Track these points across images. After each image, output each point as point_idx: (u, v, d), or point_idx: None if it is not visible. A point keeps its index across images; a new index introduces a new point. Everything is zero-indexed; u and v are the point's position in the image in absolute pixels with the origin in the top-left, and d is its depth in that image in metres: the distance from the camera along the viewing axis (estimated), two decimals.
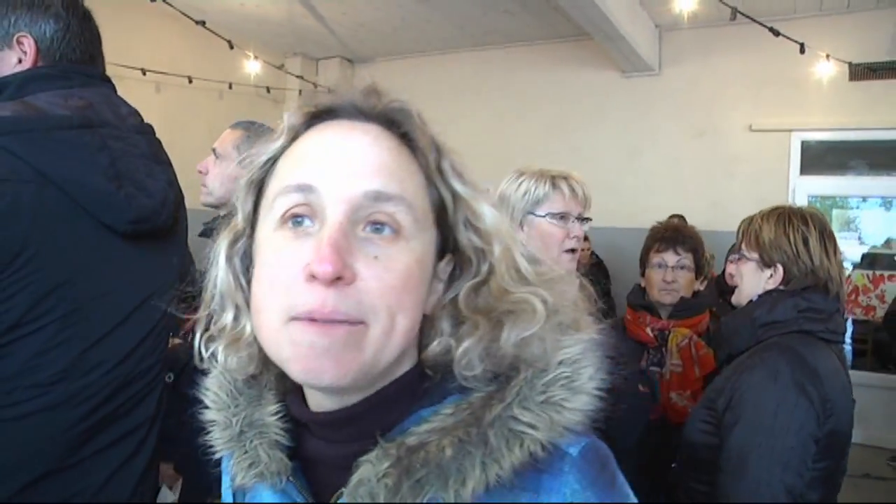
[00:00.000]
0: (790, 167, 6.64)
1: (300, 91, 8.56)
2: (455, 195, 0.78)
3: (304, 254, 0.68)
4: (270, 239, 0.73)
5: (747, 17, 5.16)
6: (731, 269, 2.19)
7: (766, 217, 2.07)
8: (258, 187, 0.79)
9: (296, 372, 0.70)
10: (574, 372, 0.74)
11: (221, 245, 0.82)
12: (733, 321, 2.06)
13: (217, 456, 0.88)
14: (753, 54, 6.52)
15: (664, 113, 7.12)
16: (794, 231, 1.98)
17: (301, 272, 0.68)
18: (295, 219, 0.71)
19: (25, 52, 1.53)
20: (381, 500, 0.69)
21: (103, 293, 1.48)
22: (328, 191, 0.70)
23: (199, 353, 0.85)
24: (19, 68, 1.53)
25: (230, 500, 0.91)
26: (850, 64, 6.15)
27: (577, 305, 0.81)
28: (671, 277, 2.72)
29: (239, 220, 0.81)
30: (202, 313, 0.85)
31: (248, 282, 0.78)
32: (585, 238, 5.81)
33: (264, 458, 0.80)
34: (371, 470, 0.70)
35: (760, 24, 5.24)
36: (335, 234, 0.67)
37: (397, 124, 0.77)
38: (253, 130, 2.41)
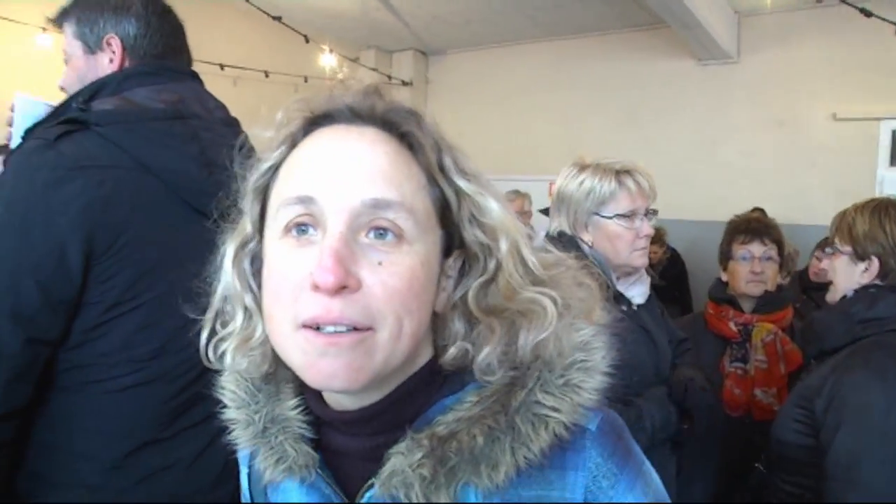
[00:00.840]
0: (878, 158, 6.34)
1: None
2: (458, 192, 0.78)
3: (308, 263, 0.69)
4: (276, 247, 0.74)
5: None
6: (823, 264, 2.12)
7: (861, 209, 1.99)
8: (263, 193, 0.80)
9: (308, 379, 0.72)
10: (588, 355, 0.78)
11: (228, 249, 0.84)
12: (827, 317, 1.99)
13: (241, 453, 0.92)
14: (839, 38, 6.23)
15: (742, 102, 6.90)
16: (892, 222, 1.89)
17: (306, 281, 0.69)
18: (299, 227, 0.72)
19: (114, 52, 1.63)
20: (416, 490, 0.71)
21: (195, 276, 1.55)
22: (327, 201, 0.70)
23: (206, 354, 0.86)
24: (111, 68, 1.63)
25: (248, 496, 0.94)
26: None
27: (591, 295, 0.83)
28: (759, 268, 2.66)
29: (247, 224, 0.82)
30: (209, 315, 0.87)
31: (260, 284, 0.78)
32: (660, 233, 5.72)
33: (291, 452, 0.81)
34: (403, 461, 0.72)
35: (850, 4, 5.00)
36: (336, 243, 0.68)
37: (395, 125, 0.76)
38: None
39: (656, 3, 5.66)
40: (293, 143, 0.78)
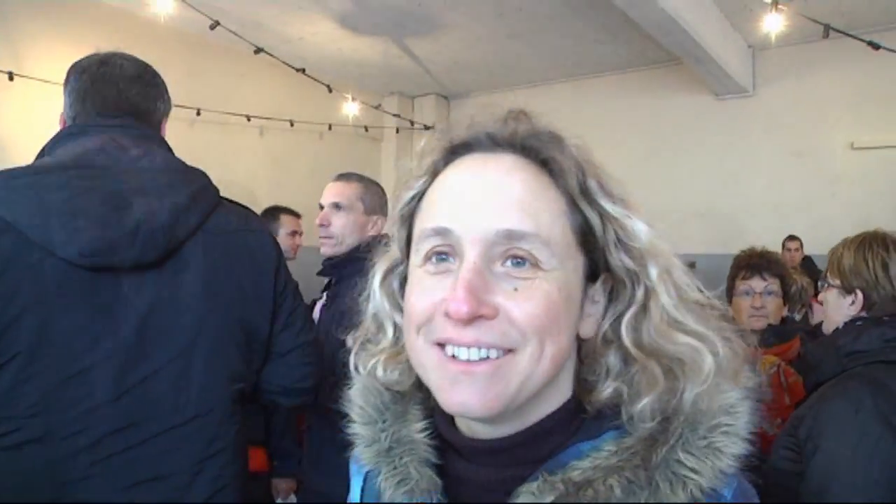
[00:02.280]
0: None
1: (397, 129, 8.84)
2: (603, 215, 0.75)
3: (444, 290, 0.71)
4: (417, 273, 0.76)
5: (841, 32, 4.99)
6: (821, 296, 2.18)
7: (849, 244, 2.05)
8: (409, 220, 0.81)
9: (443, 403, 0.73)
10: (732, 419, 0.74)
11: (377, 271, 0.87)
12: (818, 349, 2.04)
13: (355, 470, 0.93)
14: (853, 69, 6.32)
15: (760, 134, 6.96)
16: (874, 256, 1.95)
17: (441, 306, 0.71)
18: (438, 255, 0.73)
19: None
20: None
21: (77, 327, 1.54)
22: (463, 232, 0.71)
23: (356, 367, 0.89)
24: None
25: None
26: None
27: (736, 354, 0.77)
28: (759, 303, 2.70)
29: (395, 249, 0.85)
30: (360, 333, 0.90)
31: None
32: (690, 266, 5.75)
33: (415, 475, 0.81)
34: (533, 500, 0.71)
35: (857, 38, 5.07)
36: (468, 274, 0.69)
37: (535, 151, 0.76)
38: (366, 181, 2.60)
39: (670, 40, 5.77)
40: (434, 172, 0.79)
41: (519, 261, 0.71)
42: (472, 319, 0.69)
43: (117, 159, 1.65)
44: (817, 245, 5.86)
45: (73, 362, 1.52)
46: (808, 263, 5.91)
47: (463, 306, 0.68)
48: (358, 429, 0.88)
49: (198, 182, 1.74)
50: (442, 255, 0.74)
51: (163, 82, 1.87)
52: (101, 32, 5.74)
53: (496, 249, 0.71)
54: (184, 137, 4.33)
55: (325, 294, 2.63)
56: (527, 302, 0.70)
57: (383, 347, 0.87)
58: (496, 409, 0.71)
